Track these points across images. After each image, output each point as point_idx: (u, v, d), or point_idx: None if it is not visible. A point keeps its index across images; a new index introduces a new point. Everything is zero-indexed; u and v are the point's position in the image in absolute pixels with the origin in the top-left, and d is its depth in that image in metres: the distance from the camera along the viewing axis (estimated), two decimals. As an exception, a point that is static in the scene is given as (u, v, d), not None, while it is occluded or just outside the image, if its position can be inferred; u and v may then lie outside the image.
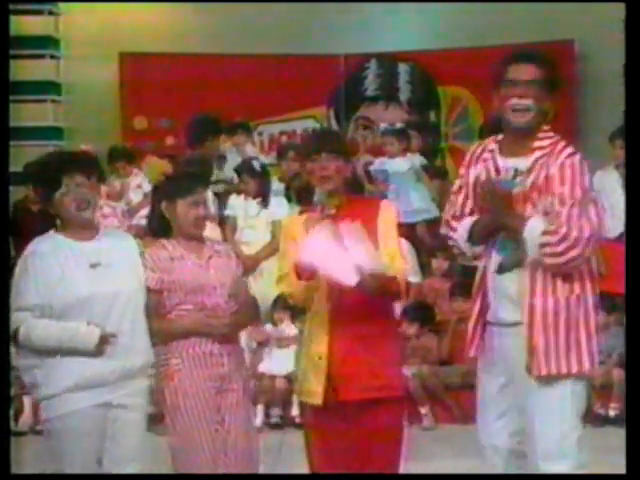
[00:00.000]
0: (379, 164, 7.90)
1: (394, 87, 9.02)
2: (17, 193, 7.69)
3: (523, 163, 3.54)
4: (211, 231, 4.05)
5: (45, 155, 3.97)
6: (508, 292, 3.58)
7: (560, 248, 3.44)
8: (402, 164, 7.70)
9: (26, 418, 6.63)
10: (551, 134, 3.57)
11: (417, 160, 7.78)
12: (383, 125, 8.57)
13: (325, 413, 3.71)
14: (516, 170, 3.57)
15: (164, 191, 3.96)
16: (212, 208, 4.07)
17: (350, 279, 3.49)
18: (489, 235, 3.61)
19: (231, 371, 3.86)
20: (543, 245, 3.45)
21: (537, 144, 3.55)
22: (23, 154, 8.15)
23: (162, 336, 3.82)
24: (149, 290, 3.78)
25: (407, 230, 7.30)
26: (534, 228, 3.47)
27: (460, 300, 6.88)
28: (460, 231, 3.68)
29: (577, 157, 3.50)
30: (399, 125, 8.42)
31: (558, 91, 3.53)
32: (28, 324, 3.62)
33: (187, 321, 3.81)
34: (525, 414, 3.60)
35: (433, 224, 7.68)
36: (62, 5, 9.04)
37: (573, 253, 3.45)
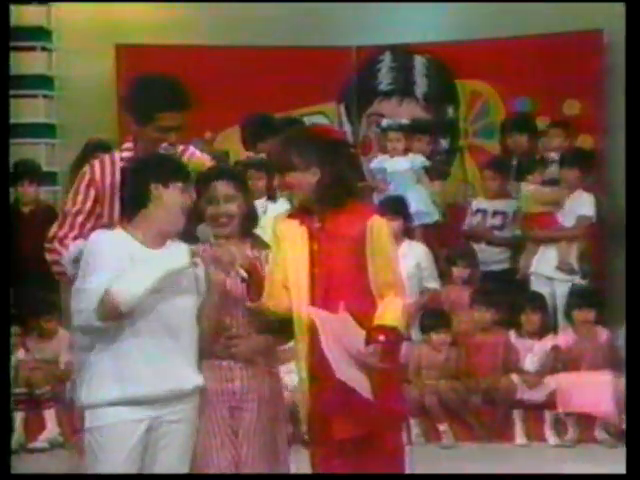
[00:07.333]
0: (378, 162, 7.91)
1: (409, 81, 8.99)
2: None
3: None
4: None
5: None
6: None
7: None
8: (402, 163, 7.70)
9: (18, 436, 6.66)
10: None
11: (418, 160, 7.79)
12: (385, 121, 8.56)
13: (322, 449, 3.80)
14: None
15: None
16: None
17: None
18: None
19: (244, 389, 3.86)
20: None
21: None
22: (14, 152, 8.17)
23: None
24: None
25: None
26: None
27: (482, 309, 6.92)
28: None
29: None
30: (404, 120, 8.41)
31: None
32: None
33: None
34: None
35: (433, 228, 7.71)
36: (54, -6, 9.06)
37: None
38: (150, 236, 3.74)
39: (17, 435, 6.66)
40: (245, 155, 7.56)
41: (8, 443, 3.67)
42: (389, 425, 3.79)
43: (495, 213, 7.61)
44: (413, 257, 7.03)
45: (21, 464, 6.21)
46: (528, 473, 5.43)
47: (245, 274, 3.75)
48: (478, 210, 7.70)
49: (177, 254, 3.70)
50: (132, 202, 3.80)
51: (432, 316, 6.99)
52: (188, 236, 3.87)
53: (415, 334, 7.08)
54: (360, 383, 3.63)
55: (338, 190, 3.77)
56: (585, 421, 6.58)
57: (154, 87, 4.21)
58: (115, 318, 3.59)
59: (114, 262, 3.62)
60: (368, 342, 3.64)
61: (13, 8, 8.41)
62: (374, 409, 3.66)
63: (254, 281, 3.75)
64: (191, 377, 3.74)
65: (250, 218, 4.01)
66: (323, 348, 3.60)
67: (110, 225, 3.95)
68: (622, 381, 6.46)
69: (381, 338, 3.63)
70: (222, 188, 3.91)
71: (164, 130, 4.11)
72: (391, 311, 3.69)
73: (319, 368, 3.70)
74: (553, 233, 7.33)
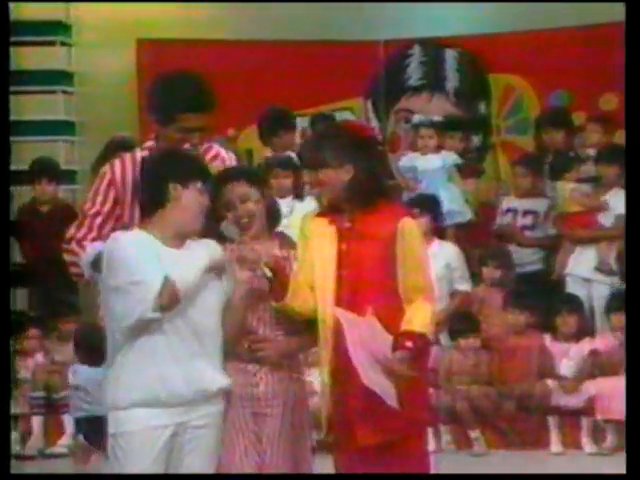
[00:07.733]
0: (408, 160, 7.87)
1: (440, 76, 8.93)
2: (24, 192, 7.73)
3: None
4: None
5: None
6: None
7: None
8: (434, 161, 7.65)
9: (36, 441, 6.64)
10: None
11: (450, 158, 7.74)
12: (417, 117, 8.51)
13: (346, 455, 3.75)
14: None
15: None
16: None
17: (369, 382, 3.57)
18: None
19: (269, 394, 3.82)
20: None
21: None
22: (31, 150, 8.19)
23: None
24: None
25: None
26: None
27: (516, 312, 6.84)
28: None
29: None
30: (437, 117, 8.37)
31: None
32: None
33: None
34: None
35: (465, 228, 7.64)
36: (74, -13, 9.06)
37: None
38: (169, 236, 3.71)
39: (35, 440, 6.64)
40: (269, 153, 7.53)
41: (8, 442, 3.64)
42: (413, 432, 3.75)
43: (526, 212, 7.54)
44: (443, 257, 6.97)
45: (40, 469, 6.23)
46: (529, 473, 5.39)
47: (269, 273, 3.71)
48: (508, 209, 7.64)
49: (211, 249, 3.71)
50: (150, 202, 3.76)
51: (460, 321, 6.94)
52: (210, 236, 3.83)
53: (445, 339, 7.02)
54: (385, 390, 3.59)
55: (370, 188, 3.73)
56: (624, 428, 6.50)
57: (177, 87, 4.13)
58: (174, 306, 3.58)
59: (148, 257, 3.60)
60: (395, 348, 3.60)
61: (30, 3, 8.47)
62: (399, 416, 3.62)
63: (278, 280, 3.72)
64: (216, 378, 3.71)
65: (272, 214, 3.97)
66: (349, 351, 3.57)
67: (130, 227, 3.91)
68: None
69: (409, 344, 3.59)
70: (237, 189, 3.86)
71: (187, 131, 4.05)
72: (420, 317, 3.65)
73: (343, 373, 3.67)
74: (592, 233, 7.24)
